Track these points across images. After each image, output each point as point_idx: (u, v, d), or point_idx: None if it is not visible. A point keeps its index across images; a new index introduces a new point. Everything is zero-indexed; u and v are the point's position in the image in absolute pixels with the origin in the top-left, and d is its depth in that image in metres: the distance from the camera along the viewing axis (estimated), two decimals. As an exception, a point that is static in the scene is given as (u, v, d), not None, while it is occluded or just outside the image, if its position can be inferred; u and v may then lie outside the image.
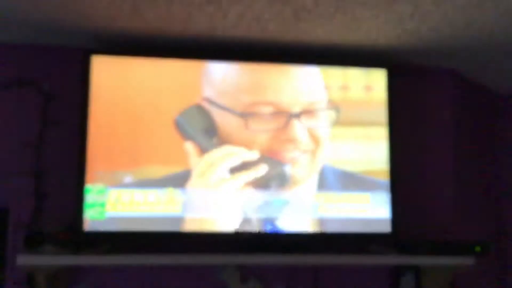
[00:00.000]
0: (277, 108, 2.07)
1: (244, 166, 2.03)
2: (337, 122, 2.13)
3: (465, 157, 2.45)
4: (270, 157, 2.05)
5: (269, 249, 2.01)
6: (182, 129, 2.03)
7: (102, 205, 1.96)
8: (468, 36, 2.06)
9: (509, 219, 2.62)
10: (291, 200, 2.05)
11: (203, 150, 2.02)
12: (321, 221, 2.07)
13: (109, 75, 2.03)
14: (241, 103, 2.06)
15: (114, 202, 1.96)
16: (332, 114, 2.13)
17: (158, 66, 2.06)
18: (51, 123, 2.12)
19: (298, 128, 2.07)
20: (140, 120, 2.02)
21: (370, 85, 2.18)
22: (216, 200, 2.00)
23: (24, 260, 1.80)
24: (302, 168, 2.07)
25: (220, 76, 2.08)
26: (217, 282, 2.12)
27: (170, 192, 1.99)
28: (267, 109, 2.07)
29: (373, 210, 2.11)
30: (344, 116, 2.14)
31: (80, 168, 1.96)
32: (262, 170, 2.03)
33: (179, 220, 1.99)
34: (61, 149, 2.10)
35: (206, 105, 2.05)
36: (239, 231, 2.01)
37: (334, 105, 2.14)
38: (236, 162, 2.03)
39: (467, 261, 2.02)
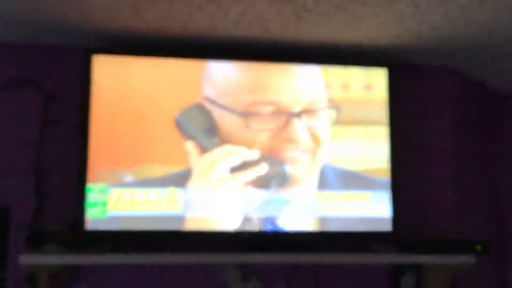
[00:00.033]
0: (277, 108, 2.08)
1: (244, 166, 2.03)
2: (338, 121, 2.14)
3: (466, 155, 2.45)
4: (271, 156, 2.05)
5: (270, 248, 2.02)
6: (183, 129, 2.03)
7: (104, 204, 1.96)
8: (468, 35, 2.06)
9: (510, 217, 2.62)
10: (291, 199, 2.06)
11: (203, 150, 2.03)
12: (322, 220, 2.08)
13: (110, 74, 2.04)
14: (242, 103, 2.06)
15: (115, 201, 1.97)
16: (332, 113, 2.13)
17: (159, 65, 2.07)
18: (52, 123, 2.12)
19: (299, 127, 2.08)
20: (141, 120, 2.03)
21: (371, 84, 2.18)
22: (216, 200, 2.01)
23: (26, 259, 1.81)
24: (303, 167, 2.07)
25: (221, 76, 2.08)
26: (217, 281, 2.12)
27: (171, 191, 2.00)
28: (268, 109, 2.07)
29: (373, 209, 2.11)
30: (345, 115, 2.14)
31: (81, 167, 1.96)
32: (262, 169, 2.04)
33: (180, 219, 1.99)
34: (62, 148, 2.11)
35: (207, 105, 2.06)
36: (240, 230, 2.01)
37: (334, 104, 2.14)
38: (237, 161, 2.03)
39: (468, 259, 2.03)
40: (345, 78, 2.16)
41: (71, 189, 2.04)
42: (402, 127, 2.28)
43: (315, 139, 2.10)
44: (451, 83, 2.41)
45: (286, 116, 2.08)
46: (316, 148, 2.09)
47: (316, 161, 2.09)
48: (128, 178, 1.99)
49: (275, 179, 2.05)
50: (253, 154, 2.04)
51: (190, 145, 2.02)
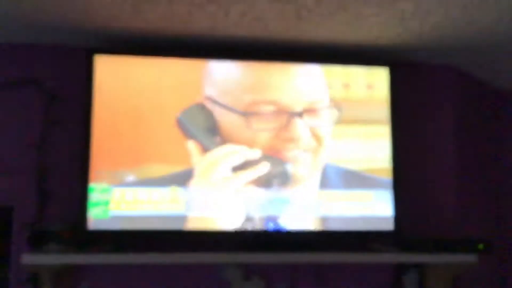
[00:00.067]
0: (278, 107, 2.08)
1: (246, 165, 2.03)
2: (339, 121, 2.13)
3: (468, 154, 2.45)
4: (272, 155, 2.05)
5: (272, 247, 2.02)
6: (184, 128, 2.04)
7: (106, 203, 1.97)
8: (469, 34, 2.05)
9: (510, 217, 2.61)
10: (293, 199, 2.06)
11: (205, 149, 2.03)
12: (324, 219, 2.08)
13: (112, 74, 2.04)
14: (243, 102, 2.07)
15: (117, 201, 1.97)
16: (334, 113, 2.13)
17: (160, 65, 2.07)
18: (54, 122, 2.13)
19: (300, 126, 2.08)
20: (143, 119, 2.03)
21: (372, 83, 2.18)
22: (218, 199, 2.01)
23: (28, 259, 1.81)
24: (304, 166, 2.07)
25: (222, 75, 2.08)
26: (220, 280, 2.13)
27: (173, 191, 2.00)
28: (269, 108, 2.08)
29: (375, 208, 2.11)
30: (346, 114, 2.14)
31: (83, 167, 1.97)
32: (264, 168, 2.04)
33: (182, 218, 2.00)
34: (64, 148, 2.11)
35: (208, 104, 2.06)
36: (241, 229, 2.02)
37: (336, 104, 2.14)
38: (238, 160, 2.03)
39: (470, 258, 2.02)
40: (346, 77, 2.16)
41: (73, 188, 2.04)
42: (403, 126, 2.27)
43: (317, 138, 2.10)
44: (452, 82, 2.41)
45: (287, 115, 2.08)
46: (317, 147, 2.09)
47: (317, 160, 2.09)
48: (130, 177, 1.99)
49: (277, 178, 2.05)
50: (255, 154, 2.04)
51: (191, 145, 2.03)
